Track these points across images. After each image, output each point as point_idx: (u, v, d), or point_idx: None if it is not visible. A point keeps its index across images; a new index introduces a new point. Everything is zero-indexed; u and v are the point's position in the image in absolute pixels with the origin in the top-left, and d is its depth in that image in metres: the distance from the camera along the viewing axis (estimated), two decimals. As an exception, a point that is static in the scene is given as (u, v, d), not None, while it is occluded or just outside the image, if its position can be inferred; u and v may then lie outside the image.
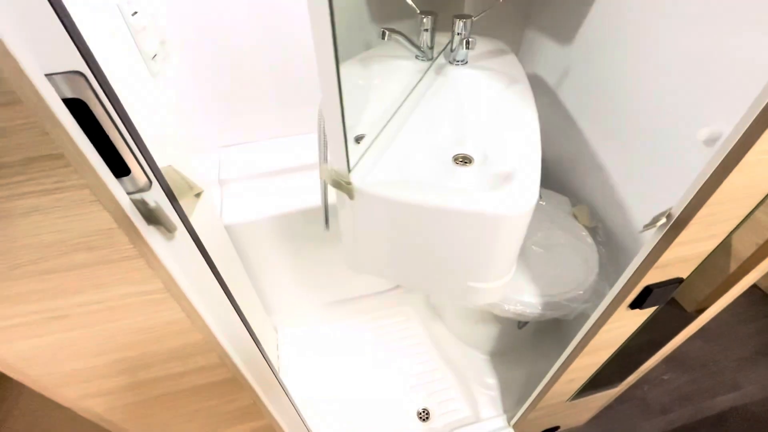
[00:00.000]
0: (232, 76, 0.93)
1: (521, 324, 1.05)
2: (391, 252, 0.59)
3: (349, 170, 0.51)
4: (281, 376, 1.16)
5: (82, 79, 0.26)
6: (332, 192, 0.56)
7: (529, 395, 0.93)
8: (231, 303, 0.51)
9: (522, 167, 0.54)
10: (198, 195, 0.51)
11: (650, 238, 0.50)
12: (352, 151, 0.49)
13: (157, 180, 0.35)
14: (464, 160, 0.66)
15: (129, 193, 0.33)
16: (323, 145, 0.59)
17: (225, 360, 0.49)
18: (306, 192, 0.97)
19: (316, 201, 0.95)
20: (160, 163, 0.37)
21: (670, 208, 0.46)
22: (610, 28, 0.78)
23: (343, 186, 0.51)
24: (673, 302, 0.65)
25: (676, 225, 0.45)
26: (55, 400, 0.46)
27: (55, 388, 0.44)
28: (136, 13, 0.66)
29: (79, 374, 0.44)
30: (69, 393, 0.46)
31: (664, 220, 0.46)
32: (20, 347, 0.38)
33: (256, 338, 0.56)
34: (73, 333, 0.39)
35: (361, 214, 0.55)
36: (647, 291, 0.54)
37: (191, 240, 0.42)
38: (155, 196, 0.35)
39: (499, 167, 0.59)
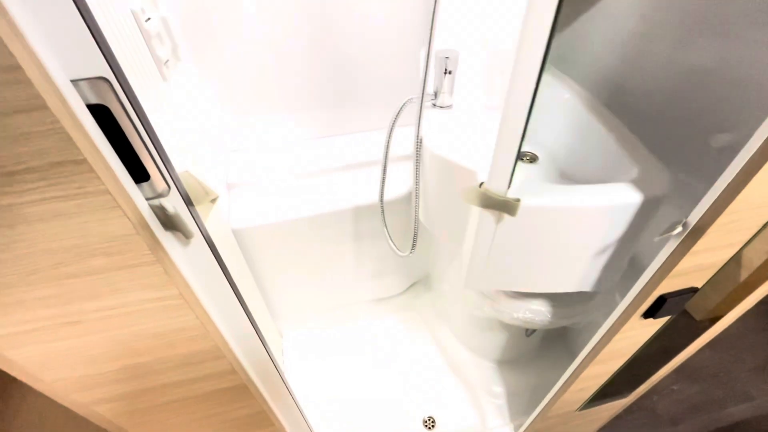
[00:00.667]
0: (239, 81, 0.93)
1: (529, 332, 1.04)
2: (525, 261, 0.59)
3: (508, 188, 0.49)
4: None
5: (106, 85, 0.26)
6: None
7: (537, 404, 0.92)
8: (244, 310, 0.51)
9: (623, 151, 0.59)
10: (213, 201, 0.51)
11: (665, 247, 0.49)
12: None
13: (175, 186, 0.35)
14: (529, 157, 0.67)
15: (148, 199, 0.33)
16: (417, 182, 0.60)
17: (236, 367, 0.49)
18: (314, 197, 0.97)
19: (324, 206, 0.95)
20: (177, 169, 0.37)
21: (686, 217, 0.45)
22: (619, 33, 0.78)
23: (510, 204, 0.49)
24: (683, 312, 0.64)
25: (693, 233, 0.45)
26: (66, 406, 0.46)
27: (67, 394, 0.44)
28: (149, 19, 0.66)
29: (91, 379, 0.44)
30: (80, 398, 0.45)
31: (680, 228, 0.46)
32: (34, 352, 0.38)
33: (267, 346, 0.56)
34: (87, 338, 0.39)
35: (508, 229, 0.54)
36: (661, 300, 0.54)
37: (206, 246, 0.41)
38: (173, 202, 0.35)
39: (583, 159, 0.61)
